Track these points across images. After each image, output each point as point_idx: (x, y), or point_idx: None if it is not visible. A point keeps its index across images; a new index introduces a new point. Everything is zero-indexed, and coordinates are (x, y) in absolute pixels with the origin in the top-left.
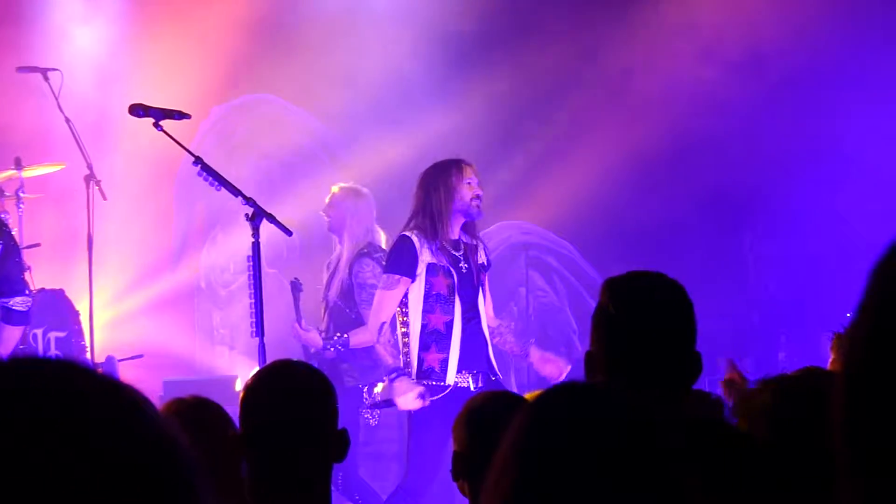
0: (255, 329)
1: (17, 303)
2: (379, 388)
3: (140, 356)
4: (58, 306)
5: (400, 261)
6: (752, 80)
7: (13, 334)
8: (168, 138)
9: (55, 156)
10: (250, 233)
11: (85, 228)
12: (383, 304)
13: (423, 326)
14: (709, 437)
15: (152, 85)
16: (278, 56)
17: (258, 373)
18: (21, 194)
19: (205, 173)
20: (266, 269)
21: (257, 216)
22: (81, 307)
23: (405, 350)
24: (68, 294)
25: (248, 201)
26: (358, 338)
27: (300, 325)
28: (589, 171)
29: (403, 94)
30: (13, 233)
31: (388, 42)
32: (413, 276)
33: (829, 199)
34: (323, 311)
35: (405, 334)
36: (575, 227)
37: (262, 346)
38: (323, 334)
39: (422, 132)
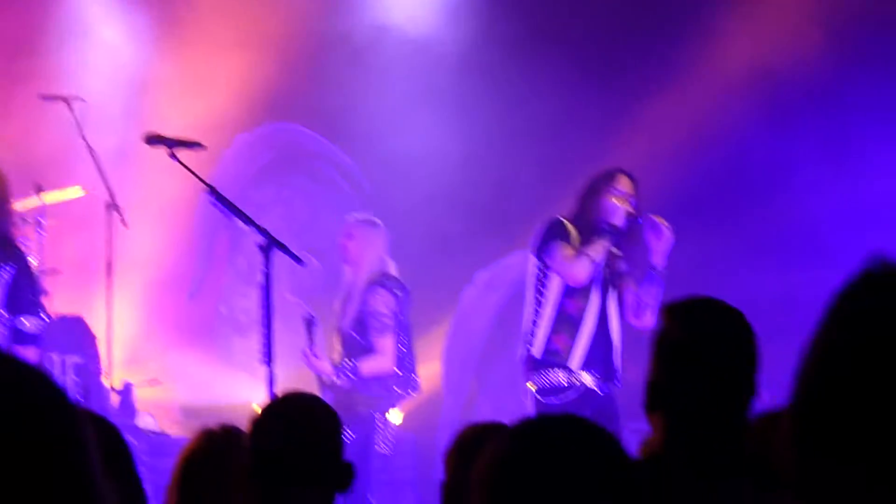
0: (264, 356)
1: (28, 324)
2: (394, 415)
3: (157, 381)
4: (76, 332)
5: (557, 232)
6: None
7: (22, 355)
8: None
9: (76, 182)
10: (262, 262)
11: (104, 255)
12: (563, 256)
13: (558, 309)
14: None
15: (176, 112)
16: (301, 84)
17: (266, 405)
18: (41, 220)
19: (218, 202)
20: (288, 297)
21: (269, 246)
22: (100, 333)
23: (532, 329)
24: (87, 320)
25: (261, 231)
26: (369, 365)
27: (312, 352)
28: None
29: (425, 115)
30: (30, 257)
31: (411, 69)
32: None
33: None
34: (336, 340)
35: (537, 314)
36: None
37: (270, 374)
38: (337, 363)
39: (442, 152)
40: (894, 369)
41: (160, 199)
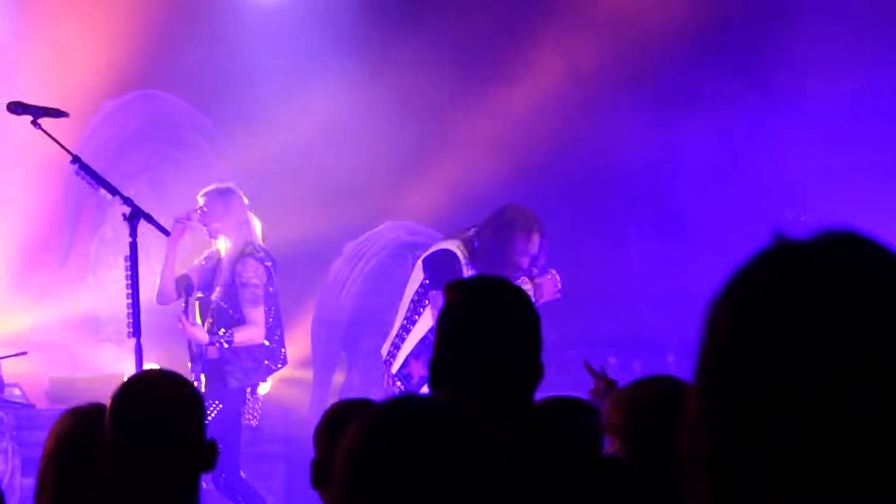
0: (132, 329)
1: None
2: (262, 388)
3: (24, 353)
4: None
5: (448, 276)
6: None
7: None
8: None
9: None
10: (128, 232)
11: None
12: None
13: (426, 337)
14: (573, 464)
15: (39, 80)
16: (167, 50)
17: (125, 383)
18: None
19: (82, 172)
20: (155, 268)
21: (135, 216)
22: None
23: (397, 342)
24: None
25: (126, 201)
26: (243, 335)
27: (189, 320)
28: (474, 167)
29: (292, 83)
30: None
31: (275, 30)
32: None
33: (721, 201)
34: (203, 311)
35: (405, 328)
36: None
37: (138, 347)
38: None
39: (310, 120)
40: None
41: (27, 168)
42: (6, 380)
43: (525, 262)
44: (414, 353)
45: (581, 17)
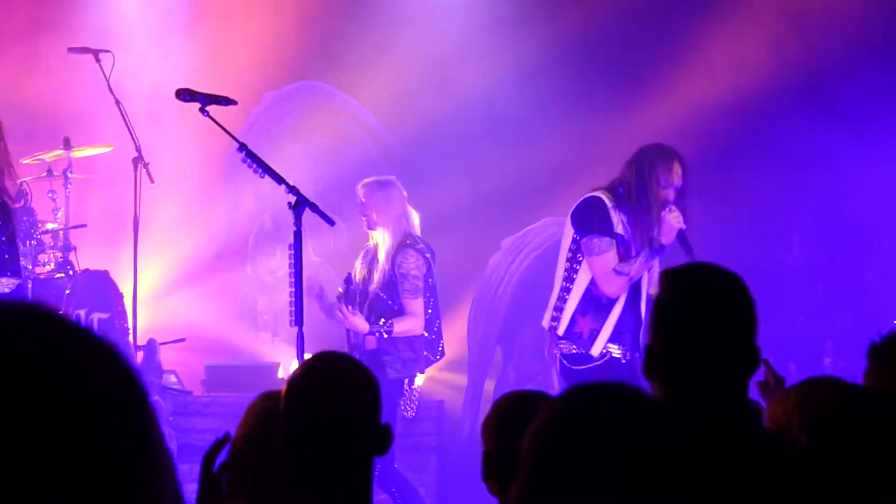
0: (294, 318)
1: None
2: (419, 379)
3: (182, 340)
4: (102, 287)
5: (605, 221)
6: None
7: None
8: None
9: (104, 137)
10: (292, 221)
11: (131, 211)
12: (603, 268)
13: (587, 291)
14: (741, 436)
15: (205, 69)
16: (330, 42)
17: (301, 366)
18: (69, 174)
19: (249, 160)
20: (312, 258)
21: (300, 205)
22: (126, 289)
23: (559, 304)
24: (113, 276)
25: (292, 189)
26: (403, 325)
27: (350, 310)
28: None
29: (453, 79)
30: (58, 212)
31: (437, 26)
32: (613, 237)
33: (881, 205)
34: (361, 303)
35: (566, 289)
36: None
37: (300, 336)
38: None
39: (470, 116)
40: None
41: (187, 156)
42: (164, 366)
43: (671, 194)
44: (580, 310)
45: (748, 13)
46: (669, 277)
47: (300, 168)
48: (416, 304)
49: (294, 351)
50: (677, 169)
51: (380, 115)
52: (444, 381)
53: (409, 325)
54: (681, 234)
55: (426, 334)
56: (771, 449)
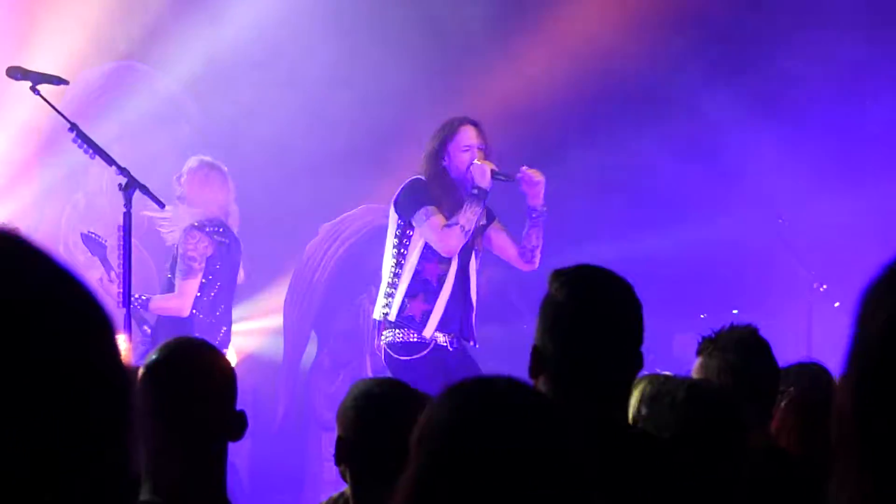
0: (122, 299)
1: None
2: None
3: None
4: None
5: (424, 194)
6: None
7: None
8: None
9: None
10: (122, 202)
11: None
12: (434, 229)
13: (416, 273)
14: (623, 442)
15: (22, 48)
16: (150, 23)
17: (156, 351)
18: None
19: (80, 140)
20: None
21: (131, 186)
22: None
23: (390, 290)
24: None
25: (123, 171)
26: (162, 302)
27: (108, 278)
28: None
29: (276, 67)
30: None
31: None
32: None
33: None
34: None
35: (396, 275)
36: None
37: (128, 317)
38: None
39: (290, 100)
40: None
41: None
42: None
43: (475, 155)
44: (409, 293)
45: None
46: (560, 278)
47: (114, 149)
48: (184, 284)
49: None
50: (471, 130)
51: (199, 99)
52: (259, 365)
53: (168, 303)
54: (494, 173)
55: (201, 316)
56: (648, 452)
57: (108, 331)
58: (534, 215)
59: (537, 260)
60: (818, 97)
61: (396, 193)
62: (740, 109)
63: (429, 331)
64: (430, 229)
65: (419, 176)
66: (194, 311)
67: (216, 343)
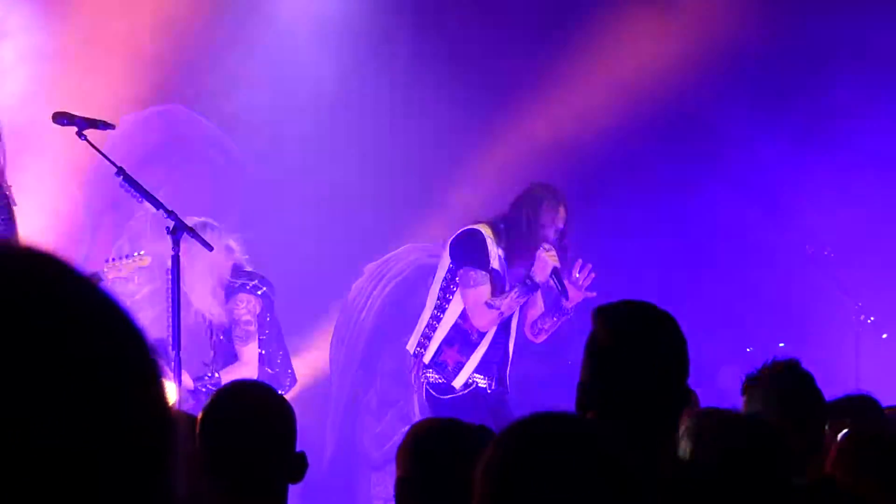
0: (172, 342)
1: None
2: None
3: None
4: None
5: (482, 255)
6: None
7: None
8: (86, 147)
9: None
10: (170, 245)
11: None
12: (476, 301)
13: (457, 323)
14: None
15: (60, 93)
16: (188, 66)
17: (216, 394)
18: None
19: (126, 184)
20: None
21: (178, 230)
22: None
23: (428, 332)
24: None
25: (170, 214)
26: (230, 375)
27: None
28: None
29: (312, 111)
30: None
31: (305, 45)
32: (488, 271)
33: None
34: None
35: (436, 318)
36: None
37: (178, 360)
38: (209, 366)
39: (330, 142)
40: None
41: (44, 180)
42: None
43: (551, 234)
44: (447, 341)
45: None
46: (604, 314)
47: (160, 194)
48: (247, 351)
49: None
50: (562, 212)
51: (238, 139)
52: (306, 404)
53: (239, 373)
54: (555, 273)
55: (269, 371)
56: (695, 487)
57: (153, 367)
58: (562, 312)
59: (541, 339)
60: (863, 127)
61: (455, 237)
62: (785, 140)
63: (458, 382)
64: (472, 298)
65: (482, 225)
66: (264, 368)
67: (285, 389)
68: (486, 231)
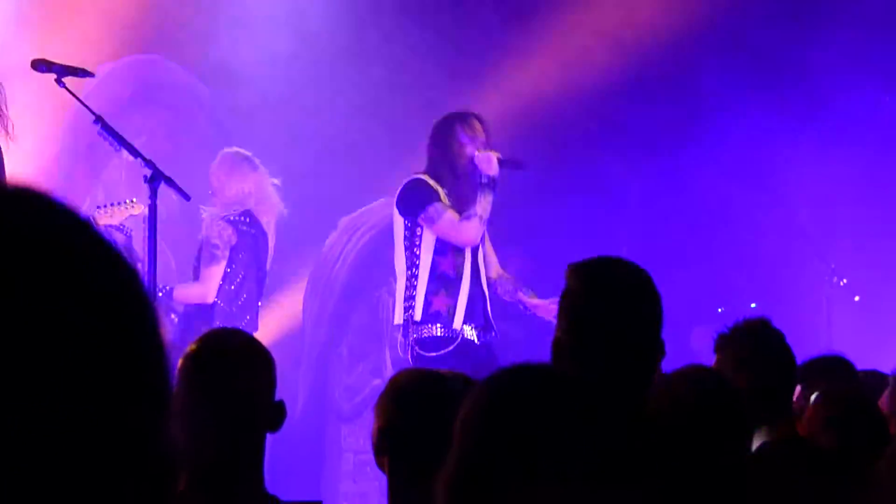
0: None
1: None
2: None
3: None
4: None
5: (428, 191)
6: None
7: None
8: (63, 95)
9: None
10: (148, 195)
11: None
12: (451, 225)
13: (433, 270)
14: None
15: (37, 39)
16: (169, 16)
17: (195, 341)
18: None
19: (105, 132)
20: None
21: (156, 179)
22: None
23: (410, 292)
24: None
25: (148, 163)
26: (184, 291)
27: None
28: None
29: (292, 65)
30: None
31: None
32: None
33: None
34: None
35: (413, 276)
36: None
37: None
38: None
39: (306, 102)
40: None
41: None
42: None
43: (474, 150)
44: (431, 291)
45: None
46: (577, 270)
47: (136, 142)
48: (208, 271)
49: None
50: (477, 125)
51: (218, 89)
52: (280, 354)
53: (192, 291)
54: (501, 161)
55: (222, 304)
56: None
57: (151, 306)
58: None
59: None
60: (842, 88)
61: (398, 194)
62: (759, 101)
63: (458, 322)
64: (446, 225)
65: (418, 175)
66: (217, 300)
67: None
68: (425, 177)
